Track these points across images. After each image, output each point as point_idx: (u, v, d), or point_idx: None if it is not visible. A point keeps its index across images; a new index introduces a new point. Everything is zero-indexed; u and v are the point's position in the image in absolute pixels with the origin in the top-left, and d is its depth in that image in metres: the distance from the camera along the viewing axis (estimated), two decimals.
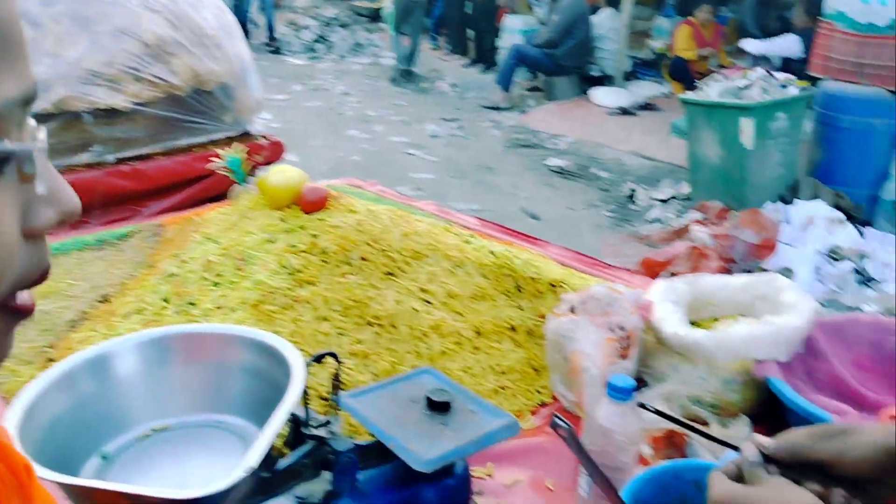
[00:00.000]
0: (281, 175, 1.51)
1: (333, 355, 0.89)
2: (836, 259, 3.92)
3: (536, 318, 1.49)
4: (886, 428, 0.71)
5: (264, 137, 2.81)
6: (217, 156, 1.65)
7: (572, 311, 1.34)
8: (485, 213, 4.88)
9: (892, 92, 4.22)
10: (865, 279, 3.82)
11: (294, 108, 7.23)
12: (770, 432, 1.22)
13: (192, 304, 1.32)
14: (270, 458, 0.82)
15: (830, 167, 4.49)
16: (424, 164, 5.88)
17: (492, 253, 1.57)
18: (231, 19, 2.76)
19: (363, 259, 1.41)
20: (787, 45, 6.29)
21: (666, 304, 1.36)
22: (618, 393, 0.97)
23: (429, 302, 1.42)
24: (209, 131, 2.65)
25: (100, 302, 1.44)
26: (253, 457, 0.71)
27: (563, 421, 0.86)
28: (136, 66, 2.44)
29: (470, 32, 8.91)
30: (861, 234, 4.15)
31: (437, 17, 9.58)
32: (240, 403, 0.88)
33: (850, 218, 4.23)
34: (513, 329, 1.46)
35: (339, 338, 1.29)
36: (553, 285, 1.54)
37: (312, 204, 1.47)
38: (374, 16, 10.79)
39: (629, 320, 1.31)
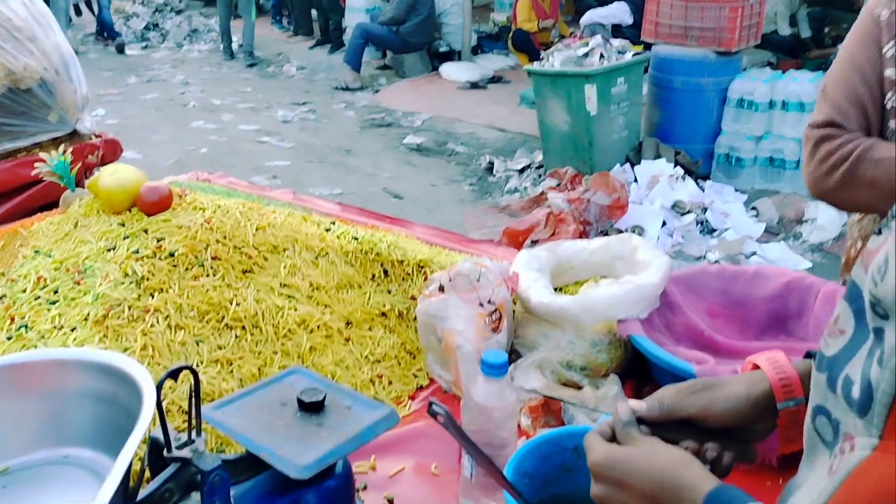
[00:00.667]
0: (114, 176, 1.39)
1: (189, 368, 0.82)
2: (680, 213, 4.19)
3: (407, 301, 1.47)
4: (745, 377, 0.75)
5: (97, 136, 2.59)
6: (41, 160, 1.50)
7: (441, 289, 1.32)
8: (347, 196, 4.81)
9: (717, 52, 4.54)
10: (708, 229, 4.11)
11: (130, 103, 6.77)
12: (639, 388, 1.28)
13: (25, 327, 1.19)
14: (128, 490, 0.75)
15: (668, 127, 4.78)
16: (279, 152, 5.70)
17: (355, 238, 1.53)
18: (44, 8, 2.51)
19: (216, 259, 1.32)
20: (617, 12, 6.61)
21: (530, 273, 1.38)
22: (492, 369, 0.96)
23: (292, 297, 1.36)
24: (32, 133, 2.41)
25: None
26: (106, 493, 0.64)
27: (439, 407, 0.84)
28: None
29: (314, 13, 8.69)
30: (701, 187, 4.46)
31: None
32: (88, 434, 0.79)
33: (690, 173, 4.52)
34: (384, 315, 1.43)
35: (197, 346, 1.21)
36: (420, 266, 1.53)
37: (154, 204, 1.36)
38: (209, 0, 10.26)
39: (497, 293, 1.31)
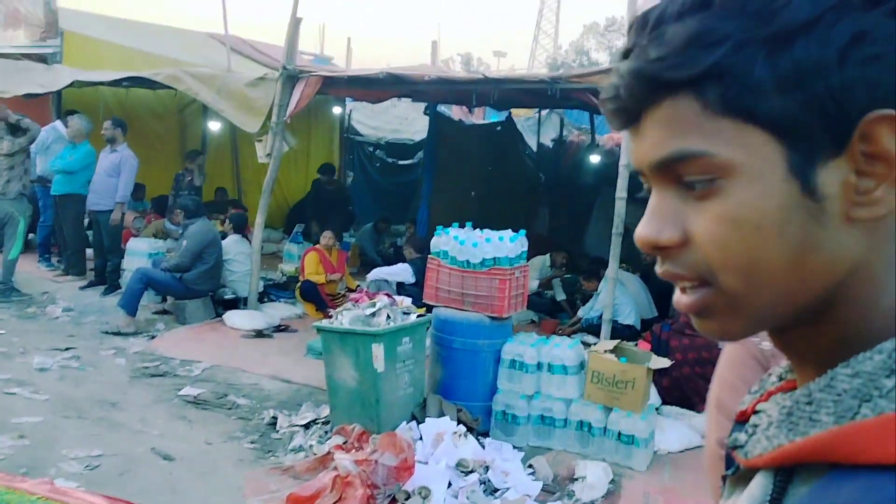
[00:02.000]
0: None
1: None
2: (464, 472, 4.26)
3: None
4: None
5: None
6: None
7: None
8: (108, 458, 4.31)
9: (490, 317, 4.97)
10: (490, 489, 4.19)
11: None
12: None
13: None
14: None
15: (450, 383, 5.00)
16: (30, 405, 5.05)
17: None
18: None
19: None
20: (400, 272, 7.13)
21: None
22: None
23: None
24: None
25: None
26: None
27: None
28: None
29: (89, 252, 8.32)
30: (482, 444, 4.60)
31: (47, 231, 8.76)
32: None
33: (472, 430, 4.68)
34: None
35: None
36: None
37: None
38: None
39: None
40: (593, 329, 6.59)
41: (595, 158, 11.20)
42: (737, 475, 0.60)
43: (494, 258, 4.95)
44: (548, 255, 8.74)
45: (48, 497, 1.69)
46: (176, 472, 4.24)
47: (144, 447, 4.56)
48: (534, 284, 7.87)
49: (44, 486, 1.81)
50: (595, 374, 4.54)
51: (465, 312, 5.01)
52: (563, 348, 4.79)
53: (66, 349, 6.26)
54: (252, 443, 4.84)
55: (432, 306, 5.23)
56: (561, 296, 8.03)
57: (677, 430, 4.85)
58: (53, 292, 7.85)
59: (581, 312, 7.18)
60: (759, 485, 0.55)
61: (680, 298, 0.58)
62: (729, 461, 0.64)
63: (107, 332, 6.76)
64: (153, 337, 6.81)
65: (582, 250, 9.52)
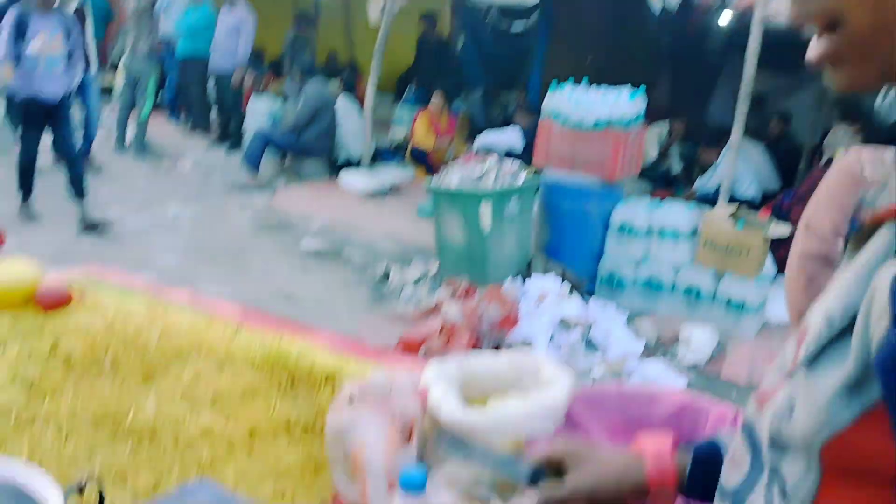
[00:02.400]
0: (8, 270, 1.32)
1: (95, 482, 0.77)
2: (566, 328, 4.36)
3: (314, 412, 1.44)
4: (623, 461, 0.86)
5: None
6: None
7: (351, 401, 1.31)
8: (238, 295, 4.69)
9: (601, 180, 4.89)
10: (592, 346, 4.28)
11: (5, 190, 6.42)
12: None
13: None
14: None
15: (557, 245, 5.03)
16: (168, 249, 5.52)
17: (262, 346, 1.50)
18: None
19: (116, 363, 1.26)
20: (510, 138, 7.04)
21: (440, 387, 1.39)
22: (411, 486, 0.96)
23: (194, 405, 1.31)
24: None
25: None
26: None
27: None
28: None
29: (214, 110, 8.71)
30: (586, 304, 4.67)
31: (174, 91, 9.20)
32: None
33: (576, 290, 4.74)
34: (289, 426, 1.39)
35: (89, 458, 1.13)
36: (329, 376, 1.51)
37: (52, 303, 1.30)
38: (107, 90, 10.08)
39: (408, 407, 1.32)
40: (709, 202, 6.36)
41: (724, 21, 10.37)
42: (861, 234, 0.60)
43: (609, 120, 4.80)
44: (667, 123, 8.33)
45: (191, 303, 1.88)
46: (298, 313, 4.57)
47: (269, 290, 4.92)
48: (650, 154, 7.59)
49: (184, 294, 2.02)
50: (708, 240, 4.43)
51: (576, 175, 4.94)
52: (676, 212, 4.67)
53: (197, 201, 6.71)
54: (366, 293, 5.11)
55: (542, 169, 5.18)
56: (678, 167, 7.73)
57: None
58: (182, 149, 8.34)
59: (697, 184, 6.91)
60: (882, 236, 0.55)
61: (812, 50, 0.57)
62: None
63: (232, 188, 7.17)
64: (274, 193, 7.16)
65: (703, 119, 9.02)
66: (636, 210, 4.78)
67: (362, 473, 1.24)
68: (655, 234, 4.74)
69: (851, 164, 1.45)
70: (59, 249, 5.10)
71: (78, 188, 5.71)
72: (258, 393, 1.41)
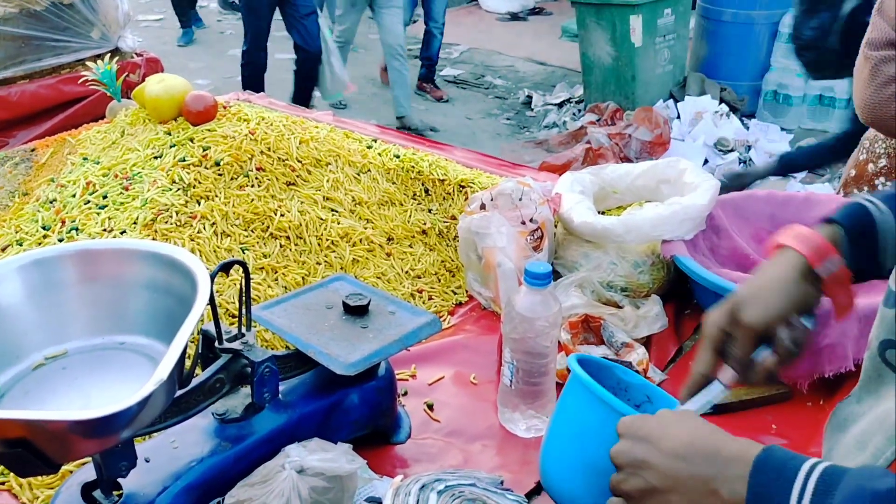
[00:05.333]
0: (161, 84, 1.39)
1: (241, 263, 0.83)
2: (723, 151, 4.10)
3: (447, 220, 1.47)
4: (773, 262, 0.75)
5: (138, 54, 2.60)
6: (85, 75, 1.51)
7: (483, 207, 1.32)
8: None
9: None
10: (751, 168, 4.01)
11: (169, 30, 6.74)
12: (680, 309, 1.27)
13: (76, 229, 1.22)
14: (183, 375, 0.77)
15: (715, 62, 4.62)
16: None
17: (396, 157, 1.52)
18: None
19: (260, 169, 1.33)
20: None
21: (573, 194, 1.36)
22: (535, 280, 0.96)
23: (335, 210, 1.36)
24: (75, 49, 2.42)
25: None
26: (164, 369, 0.66)
27: None
28: None
29: None
30: (745, 125, 4.34)
31: None
32: (143, 322, 0.82)
33: (735, 110, 4.40)
34: (424, 232, 1.43)
35: (242, 253, 1.23)
36: (461, 185, 1.52)
37: (199, 114, 1.36)
38: None
39: (539, 213, 1.30)
40: None
41: None
42: None
43: None
44: None
45: (332, 125, 1.92)
46: (440, 140, 4.61)
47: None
48: None
49: (327, 116, 2.07)
50: None
51: None
52: None
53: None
54: (508, 119, 5.03)
55: None
56: None
57: None
58: None
59: None
60: None
61: None
62: None
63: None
64: (415, 21, 7.02)
65: None
66: None
67: (494, 275, 1.27)
68: None
69: None
70: (216, 86, 5.35)
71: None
72: (394, 201, 1.44)
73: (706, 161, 4.04)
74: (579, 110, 4.87)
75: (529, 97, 5.23)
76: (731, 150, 4.09)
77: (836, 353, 1.02)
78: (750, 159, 4.06)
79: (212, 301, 0.79)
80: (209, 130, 1.34)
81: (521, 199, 1.33)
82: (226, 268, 0.83)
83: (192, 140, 1.32)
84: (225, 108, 1.41)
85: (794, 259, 0.73)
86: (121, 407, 0.60)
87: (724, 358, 0.73)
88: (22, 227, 1.27)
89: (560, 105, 5.07)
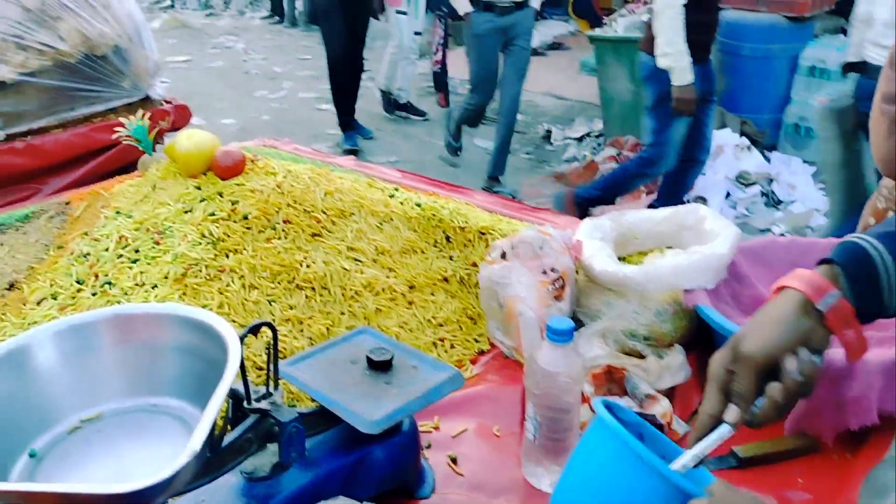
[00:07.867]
0: (191, 140, 1.43)
1: (269, 325, 0.86)
2: (745, 184, 4.09)
3: (468, 267, 1.49)
4: (773, 303, 0.80)
5: (167, 102, 2.67)
6: (119, 125, 1.56)
7: (503, 256, 1.34)
8: (403, 164, 4.84)
9: (788, 18, 4.36)
10: (773, 201, 4.00)
11: (196, 70, 6.91)
12: (703, 358, 1.27)
13: (109, 283, 1.25)
14: (214, 438, 0.79)
15: (735, 95, 4.63)
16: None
17: (418, 205, 1.55)
18: None
19: (287, 222, 1.36)
20: None
21: (593, 241, 1.38)
22: (557, 336, 0.98)
23: (358, 260, 1.39)
24: (107, 99, 2.50)
25: (7, 290, 1.35)
26: (197, 439, 0.68)
27: None
28: (18, 33, 2.26)
29: None
30: (767, 158, 4.33)
31: None
32: (175, 384, 0.84)
33: (756, 143, 4.40)
34: (445, 280, 1.45)
35: (269, 305, 1.25)
36: (482, 233, 1.54)
37: (228, 169, 1.41)
38: None
39: (560, 261, 1.32)
40: None
41: None
42: None
43: None
44: None
45: (354, 169, 1.96)
46: (461, 177, 4.65)
47: (433, 155, 5.03)
48: None
49: (348, 161, 2.11)
50: None
51: (758, 13, 4.44)
52: None
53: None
54: (527, 154, 5.07)
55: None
56: None
57: None
58: None
59: None
60: None
61: None
62: None
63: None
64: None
65: None
66: (829, 50, 4.25)
67: (516, 323, 1.28)
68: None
69: None
70: (242, 126, 5.46)
71: None
72: (415, 249, 1.47)
73: (728, 195, 4.03)
74: (599, 144, 4.90)
75: (549, 131, 5.28)
76: (754, 184, 4.08)
77: (861, 406, 1.01)
78: (772, 192, 4.05)
79: (241, 364, 0.81)
80: (238, 185, 1.38)
81: (541, 248, 1.35)
82: (254, 330, 0.85)
83: (220, 194, 1.36)
84: (253, 161, 1.45)
85: (794, 296, 0.76)
86: (155, 480, 0.62)
87: (730, 397, 0.75)
88: (56, 281, 1.31)
89: (580, 139, 5.11)
